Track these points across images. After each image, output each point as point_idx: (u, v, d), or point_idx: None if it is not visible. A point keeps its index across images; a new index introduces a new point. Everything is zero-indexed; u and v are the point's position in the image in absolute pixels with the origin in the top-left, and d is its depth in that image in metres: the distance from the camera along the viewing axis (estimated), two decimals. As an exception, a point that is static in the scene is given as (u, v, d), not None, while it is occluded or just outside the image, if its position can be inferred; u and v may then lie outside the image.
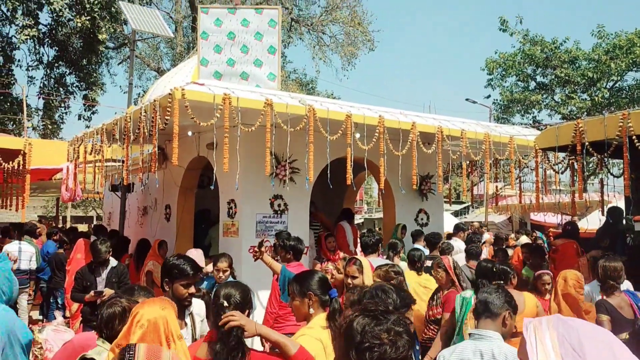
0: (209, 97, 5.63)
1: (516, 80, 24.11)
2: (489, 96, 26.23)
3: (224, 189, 7.35)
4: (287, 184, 7.17)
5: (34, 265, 8.49)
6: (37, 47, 18.02)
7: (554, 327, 1.41)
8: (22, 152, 7.10)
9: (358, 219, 30.85)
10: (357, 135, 6.63)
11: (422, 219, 9.18)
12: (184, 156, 7.79)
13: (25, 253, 8.22)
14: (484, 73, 24.09)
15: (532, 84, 24.20)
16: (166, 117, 5.50)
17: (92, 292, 5.59)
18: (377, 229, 24.03)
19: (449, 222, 12.92)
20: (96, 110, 18.70)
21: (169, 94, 5.49)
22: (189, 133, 7.66)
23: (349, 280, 4.51)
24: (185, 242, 8.41)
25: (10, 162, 7.49)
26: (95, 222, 28.92)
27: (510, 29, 22.63)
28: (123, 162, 8.43)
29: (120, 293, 2.93)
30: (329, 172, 6.61)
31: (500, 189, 16.73)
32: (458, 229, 9.52)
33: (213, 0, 25.47)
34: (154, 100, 5.77)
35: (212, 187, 6.46)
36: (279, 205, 7.29)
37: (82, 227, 21.78)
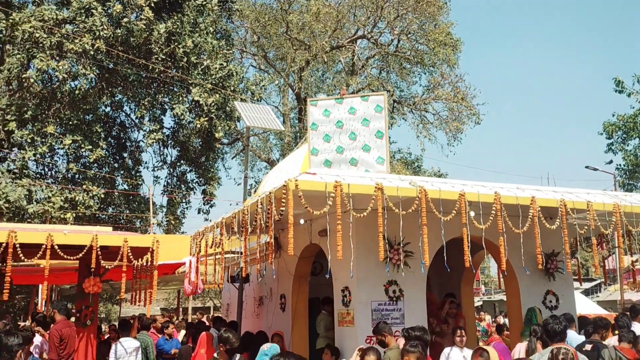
0: (320, 185, 5.73)
1: (640, 143, 22.42)
2: (610, 162, 24.56)
3: (337, 276, 7.28)
4: (402, 269, 6.96)
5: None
6: (162, 149, 19.78)
7: None
8: (150, 249, 7.55)
9: (476, 302, 29.12)
10: (472, 214, 6.36)
11: (550, 301, 8.42)
12: (297, 244, 7.87)
13: (132, 351, 8.39)
14: (603, 137, 22.74)
15: (659, 145, 22.34)
16: (281, 208, 5.64)
17: None
18: (499, 312, 22.50)
19: (581, 303, 11.76)
20: (214, 203, 19.87)
21: (284, 185, 5.66)
22: (301, 221, 7.79)
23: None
24: (300, 331, 8.34)
25: (140, 260, 7.98)
26: (212, 313, 29.90)
27: (627, 89, 21.39)
28: (241, 253, 8.71)
29: None
30: (445, 254, 6.34)
31: (635, 261, 15.17)
32: (637, 311, 7.64)
33: (320, 91, 26.89)
34: (269, 193, 5.96)
35: (327, 276, 6.41)
36: (394, 292, 7.06)
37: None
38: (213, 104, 16.98)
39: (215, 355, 5.65)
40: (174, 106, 17.12)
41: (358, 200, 5.91)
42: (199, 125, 17.07)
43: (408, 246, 6.93)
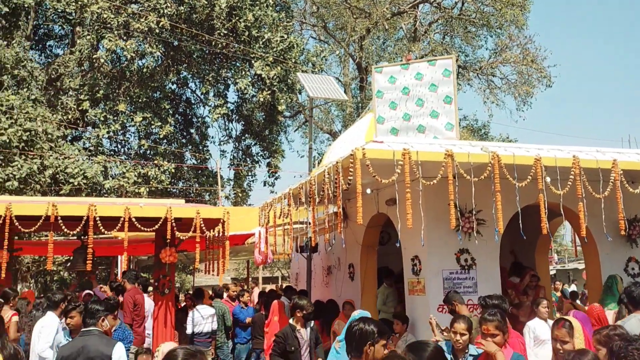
0: (388, 154, 5.62)
1: None
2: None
3: (406, 245, 7.20)
4: (474, 237, 6.79)
5: (215, 326, 8.98)
6: (227, 124, 20.15)
7: None
8: (221, 220, 7.74)
9: (550, 271, 28.14)
10: (548, 180, 6.08)
11: (632, 269, 8.01)
12: (364, 214, 7.84)
13: (208, 317, 8.72)
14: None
15: None
16: (349, 177, 5.59)
17: None
18: (572, 280, 21.75)
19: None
20: (278, 176, 20.15)
21: (350, 154, 5.60)
22: (368, 191, 7.72)
23: (558, 346, 3.98)
24: (369, 300, 8.35)
25: (212, 231, 8.20)
26: (280, 283, 30.57)
27: None
28: (309, 223, 8.77)
29: None
30: (520, 221, 6.11)
31: None
32: None
33: (381, 60, 26.42)
34: (336, 162, 5.92)
35: (398, 245, 6.35)
36: (466, 260, 6.90)
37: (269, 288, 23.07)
38: (275, 77, 17.05)
39: (291, 321, 5.75)
40: (237, 80, 17.33)
41: (427, 168, 5.77)
42: (261, 99, 17.23)
43: (480, 214, 6.74)
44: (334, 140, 27.72)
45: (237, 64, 18.12)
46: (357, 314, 5.60)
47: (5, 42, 15.85)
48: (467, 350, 4.27)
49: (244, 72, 17.79)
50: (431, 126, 7.00)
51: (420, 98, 7.06)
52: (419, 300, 6.90)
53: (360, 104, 26.30)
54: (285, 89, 18.16)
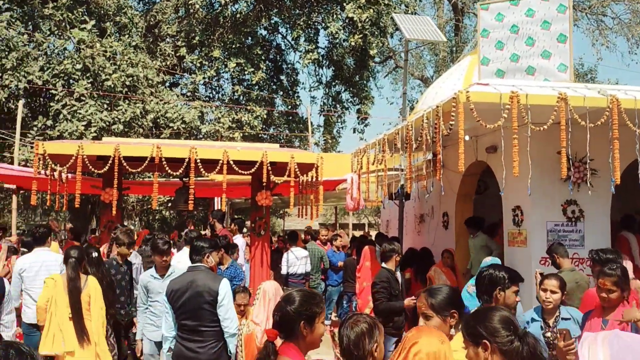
0: (494, 97, 5.29)
1: None
2: None
3: (507, 194, 6.86)
4: (585, 187, 6.34)
5: (308, 268, 9.16)
6: (317, 70, 20.01)
7: (608, 344, 1.34)
8: (315, 165, 7.76)
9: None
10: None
11: None
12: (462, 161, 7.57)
13: (301, 258, 8.89)
14: None
15: None
16: (450, 122, 5.34)
17: (410, 299, 5.48)
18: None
19: None
20: (368, 122, 19.90)
21: (453, 97, 5.32)
22: (466, 137, 7.39)
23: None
24: (464, 249, 8.16)
25: (305, 175, 8.26)
26: (367, 230, 30.78)
27: None
28: (402, 170, 8.61)
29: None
30: (639, 171, 5.60)
31: None
32: None
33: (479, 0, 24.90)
34: (437, 106, 5.66)
35: (501, 193, 6.07)
36: (573, 212, 6.49)
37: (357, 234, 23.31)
38: (367, 19, 16.56)
39: (386, 265, 5.72)
40: (328, 25, 17.02)
41: (537, 113, 5.37)
42: (352, 43, 16.86)
43: (592, 163, 6.26)
44: (425, 86, 26.86)
45: (329, 8, 17.74)
46: (489, 260, 5.51)
47: (107, -10, 16.45)
48: (558, 313, 4.00)
49: (335, 16, 17.42)
50: (542, 67, 6.49)
51: (531, 37, 6.53)
52: (519, 252, 6.63)
53: (454, 48, 25.14)
54: (377, 33, 17.64)
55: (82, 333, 4.70)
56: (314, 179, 8.11)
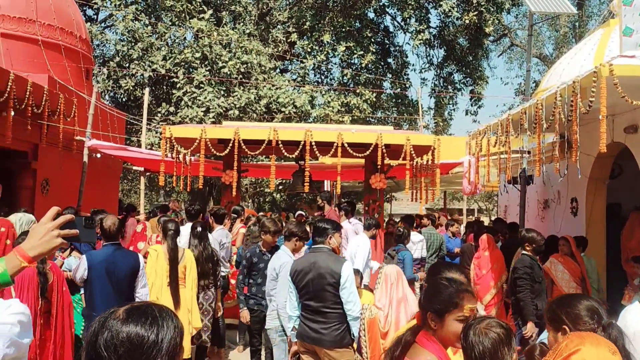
0: (641, 70, 4.75)
1: None
2: None
3: (650, 179, 6.22)
4: None
5: (424, 253, 8.88)
6: (427, 50, 19.44)
7: None
8: (432, 148, 7.52)
9: None
10: None
11: None
12: (593, 143, 6.94)
13: (417, 243, 8.66)
14: None
15: None
16: (590, 99, 4.87)
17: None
18: None
19: None
20: (482, 104, 19.06)
21: (594, 72, 4.84)
22: (599, 116, 6.76)
23: None
24: (596, 238, 7.53)
25: (420, 158, 8.04)
26: (477, 215, 29.67)
27: None
28: (528, 152, 8.10)
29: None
30: None
31: None
32: None
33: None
34: (573, 82, 5.19)
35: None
36: None
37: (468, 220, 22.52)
38: (483, -5, 15.79)
39: (524, 252, 5.38)
40: (441, 3, 16.41)
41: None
42: (467, 21, 16.15)
43: None
44: (544, 64, 25.21)
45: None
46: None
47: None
48: None
49: (448, -7, 16.77)
50: (697, 36, 5.73)
51: (685, 2, 5.78)
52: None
53: (577, 23, 23.32)
54: (492, 10, 16.75)
55: (177, 300, 5.12)
56: (430, 162, 7.86)
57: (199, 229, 5.89)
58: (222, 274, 6.69)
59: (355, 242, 6.90)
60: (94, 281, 4.37)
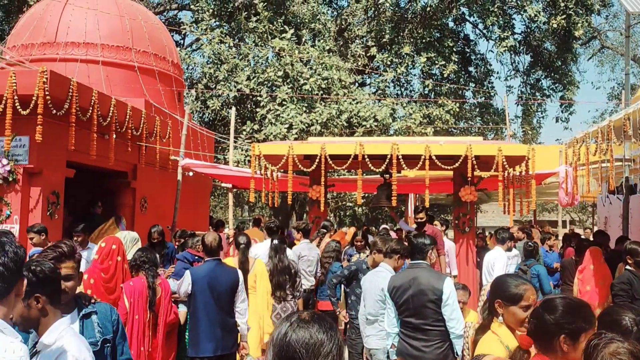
0: None
1: None
2: None
3: None
4: None
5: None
6: (512, 57, 18.80)
7: None
8: (525, 158, 7.23)
9: None
10: None
11: None
12: None
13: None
14: None
15: None
16: None
17: None
18: None
19: None
20: (573, 110, 18.15)
21: None
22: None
23: None
24: None
25: (513, 169, 7.75)
26: (569, 228, 28.13)
27: None
28: (632, 160, 7.60)
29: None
30: None
31: None
32: None
33: None
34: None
35: None
36: None
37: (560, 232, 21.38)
38: (570, -2, 15.11)
39: (627, 267, 5.04)
40: (526, 8, 15.86)
41: None
42: (554, 25, 15.49)
43: None
44: (639, 67, 23.70)
45: (525, -10, 16.56)
46: None
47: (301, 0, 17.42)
48: None
49: (532, -2, 16.22)
50: None
51: None
52: None
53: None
54: (581, 12, 15.98)
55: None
56: (524, 173, 7.56)
57: (275, 242, 6.25)
58: (304, 287, 6.75)
59: (492, 256, 6.83)
60: (197, 295, 4.53)
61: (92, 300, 2.82)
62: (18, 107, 6.76)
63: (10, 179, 7.12)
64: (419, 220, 7.59)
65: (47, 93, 6.82)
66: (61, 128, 7.32)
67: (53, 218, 7.44)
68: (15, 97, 6.77)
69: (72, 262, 2.68)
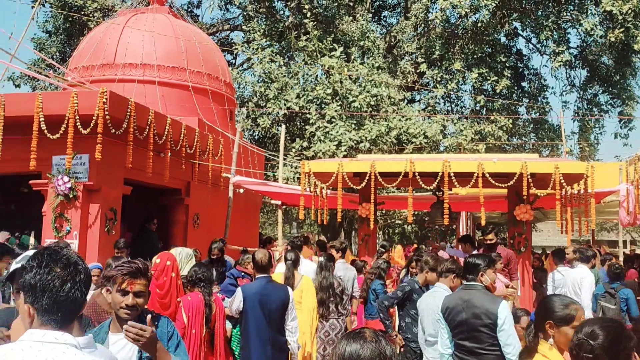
0: None
1: None
2: None
3: None
4: None
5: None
6: (568, 72, 18.28)
7: None
8: (584, 176, 6.98)
9: None
10: None
11: None
12: None
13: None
14: None
15: None
16: None
17: None
18: None
19: None
20: (633, 125, 17.43)
21: None
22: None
23: None
24: None
25: (571, 187, 7.48)
26: (630, 248, 26.85)
27: None
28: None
29: None
30: None
31: None
32: None
33: None
34: None
35: None
36: None
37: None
38: (629, 11, 14.57)
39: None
40: (582, 22, 15.42)
41: None
42: (612, 39, 14.98)
43: None
44: None
45: (581, 4, 16.11)
46: None
47: (350, 18, 17.53)
48: None
49: (588, 11, 15.74)
50: None
51: None
52: None
53: None
54: (640, 24, 15.39)
55: None
56: (583, 191, 7.28)
57: (322, 259, 6.30)
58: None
59: (578, 275, 6.62)
60: (249, 312, 4.56)
61: (153, 314, 2.88)
62: (79, 126, 7.06)
63: (71, 196, 7.41)
64: (489, 242, 7.27)
65: (106, 113, 7.10)
66: (119, 146, 7.59)
67: (110, 234, 7.67)
68: (77, 117, 7.07)
69: (145, 280, 2.75)
